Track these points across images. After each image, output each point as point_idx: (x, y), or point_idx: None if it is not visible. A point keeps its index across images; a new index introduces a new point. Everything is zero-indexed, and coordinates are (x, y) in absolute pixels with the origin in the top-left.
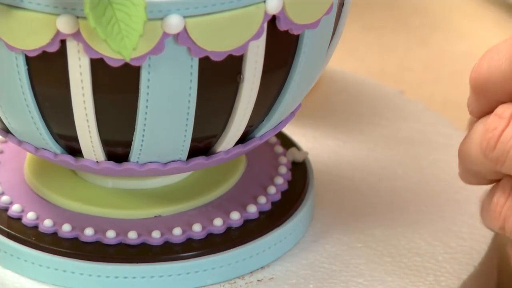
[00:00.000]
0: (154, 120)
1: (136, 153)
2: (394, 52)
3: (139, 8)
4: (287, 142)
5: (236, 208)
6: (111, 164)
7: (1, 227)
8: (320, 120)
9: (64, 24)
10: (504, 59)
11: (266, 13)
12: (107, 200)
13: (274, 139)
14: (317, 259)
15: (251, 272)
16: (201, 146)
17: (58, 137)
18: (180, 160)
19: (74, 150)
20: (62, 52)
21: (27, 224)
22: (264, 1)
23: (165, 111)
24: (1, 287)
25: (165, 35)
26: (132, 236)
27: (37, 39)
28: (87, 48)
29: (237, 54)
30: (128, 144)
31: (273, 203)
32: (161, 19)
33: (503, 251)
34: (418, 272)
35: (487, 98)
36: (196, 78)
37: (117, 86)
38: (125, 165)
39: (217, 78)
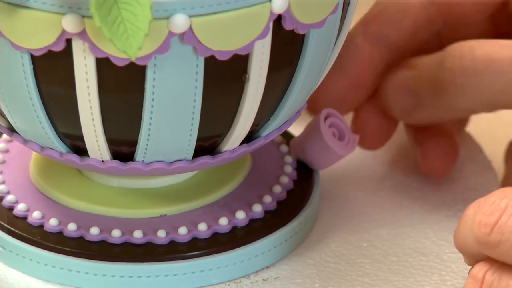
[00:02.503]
0: (160, 120)
1: (141, 152)
2: None
3: (144, 8)
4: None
5: (242, 207)
6: (116, 164)
7: (7, 226)
8: None
9: (69, 23)
10: (472, 236)
11: (271, 13)
12: (112, 200)
13: (279, 138)
14: (323, 259)
15: (257, 271)
16: (207, 146)
17: (63, 136)
18: (186, 160)
19: (79, 149)
20: (67, 51)
21: (32, 223)
22: (270, 1)
23: (171, 111)
24: (6, 286)
25: (171, 34)
26: (138, 235)
27: (43, 38)
28: (93, 47)
29: (243, 53)
30: (133, 144)
31: (278, 203)
32: (167, 18)
33: None
34: (423, 271)
35: (468, 256)
36: (201, 78)
37: (123, 86)
38: (130, 165)
39: (223, 77)
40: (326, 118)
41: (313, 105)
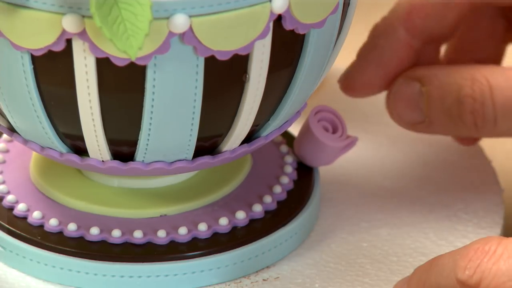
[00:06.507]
0: (160, 120)
1: (141, 152)
2: None
3: (145, 8)
4: (292, 142)
5: (242, 207)
6: (116, 164)
7: (7, 226)
8: None
9: (69, 23)
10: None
11: (272, 13)
12: (112, 200)
13: (279, 138)
14: (323, 259)
15: (257, 272)
16: (207, 146)
17: (63, 136)
18: (186, 160)
19: (79, 149)
20: (67, 51)
21: (32, 223)
22: (270, 1)
23: (171, 111)
24: (6, 286)
25: (171, 34)
26: (138, 235)
27: (43, 38)
28: (93, 47)
29: (243, 53)
30: (133, 144)
31: (278, 203)
32: (167, 18)
33: None
34: None
35: None
36: (202, 78)
37: (123, 86)
38: (130, 165)
39: (223, 77)
40: (316, 113)
41: (349, 84)
